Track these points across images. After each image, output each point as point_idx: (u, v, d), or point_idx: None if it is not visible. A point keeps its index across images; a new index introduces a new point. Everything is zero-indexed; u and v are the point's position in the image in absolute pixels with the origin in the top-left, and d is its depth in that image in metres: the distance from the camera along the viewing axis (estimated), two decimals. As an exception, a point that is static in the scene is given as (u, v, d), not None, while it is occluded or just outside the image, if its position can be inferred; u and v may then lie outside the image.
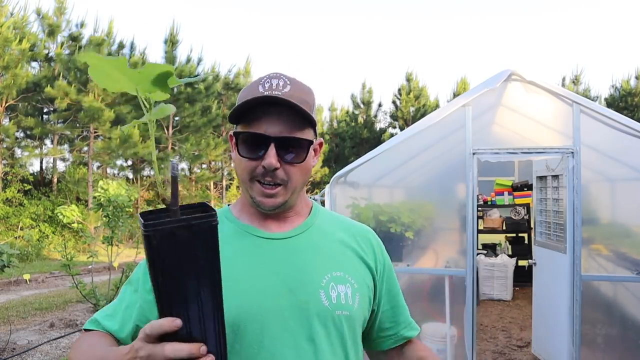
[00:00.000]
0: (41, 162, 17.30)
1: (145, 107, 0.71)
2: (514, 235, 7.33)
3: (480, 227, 6.90)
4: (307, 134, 0.95)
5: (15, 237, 12.57)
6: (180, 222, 0.66)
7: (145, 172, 18.73)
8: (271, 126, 0.90)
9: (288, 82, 0.94)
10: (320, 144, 1.04)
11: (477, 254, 4.69)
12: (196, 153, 17.31)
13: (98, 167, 17.05)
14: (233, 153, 0.99)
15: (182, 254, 0.67)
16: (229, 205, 1.08)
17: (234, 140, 0.98)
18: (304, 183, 0.98)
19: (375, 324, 1.07)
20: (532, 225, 6.04)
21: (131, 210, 6.98)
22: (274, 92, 0.91)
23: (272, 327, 0.89)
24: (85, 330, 0.99)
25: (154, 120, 0.73)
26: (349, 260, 1.01)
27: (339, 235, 1.04)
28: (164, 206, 0.69)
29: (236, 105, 0.94)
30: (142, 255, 7.01)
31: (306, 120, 0.93)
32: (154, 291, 0.68)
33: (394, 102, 22.89)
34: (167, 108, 0.75)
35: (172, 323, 0.67)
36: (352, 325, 0.96)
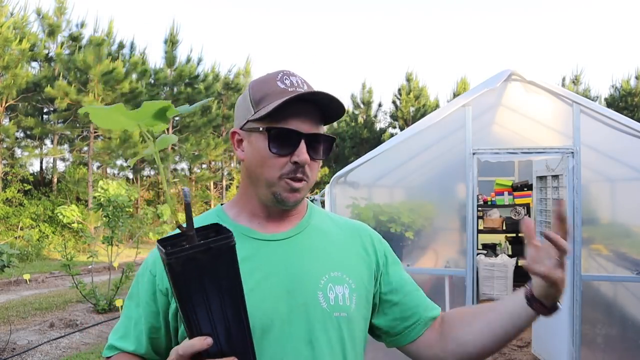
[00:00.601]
0: (41, 162, 17.32)
1: (148, 139, 0.74)
2: (514, 235, 7.32)
3: (480, 227, 6.89)
4: (324, 130, 0.97)
5: (15, 237, 12.57)
6: (200, 247, 0.69)
7: (145, 172, 18.74)
8: (301, 123, 0.91)
9: (303, 81, 0.95)
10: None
11: (477, 254, 4.69)
12: (196, 153, 17.32)
13: (98, 167, 17.05)
14: (238, 151, 0.98)
15: (205, 277, 0.70)
16: (221, 205, 1.05)
17: (237, 136, 0.97)
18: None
19: (393, 317, 1.03)
20: (532, 225, 6.03)
21: (131, 210, 6.98)
22: (297, 90, 0.91)
23: (271, 331, 0.88)
24: (107, 358, 1.00)
25: (158, 151, 0.75)
26: (347, 259, 0.99)
27: (335, 233, 1.03)
28: (178, 231, 0.73)
29: (252, 97, 0.94)
30: (142, 256, 7.01)
31: (324, 119, 0.95)
32: (181, 314, 0.71)
33: (394, 102, 22.91)
34: (170, 139, 0.77)
35: (204, 342, 0.70)
36: (350, 327, 0.94)
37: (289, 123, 0.90)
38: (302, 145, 0.90)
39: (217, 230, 0.77)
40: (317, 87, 0.95)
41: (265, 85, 0.94)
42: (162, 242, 0.72)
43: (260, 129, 0.92)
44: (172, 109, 0.73)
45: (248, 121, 0.94)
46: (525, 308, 0.92)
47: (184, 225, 0.72)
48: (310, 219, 1.03)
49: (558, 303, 0.93)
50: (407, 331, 1.03)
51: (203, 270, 0.69)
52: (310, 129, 0.91)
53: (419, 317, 1.03)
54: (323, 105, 0.93)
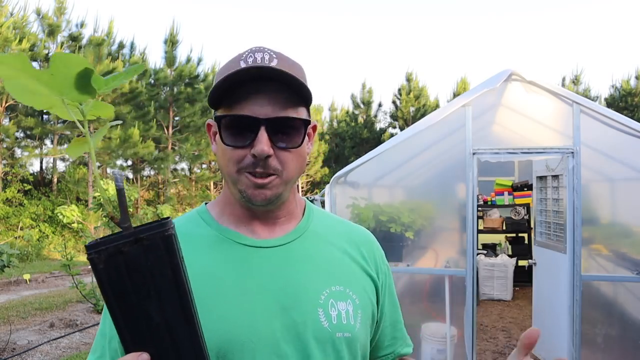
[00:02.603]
0: (41, 162, 17.33)
1: (81, 124, 0.60)
2: (514, 235, 7.33)
3: (480, 227, 6.89)
4: (302, 114, 0.80)
5: (15, 237, 12.57)
6: (126, 238, 0.56)
7: (145, 172, 18.74)
8: (260, 106, 0.76)
9: (274, 56, 0.80)
10: (314, 128, 0.88)
11: (477, 254, 4.69)
12: (196, 153, 17.33)
13: (98, 167, 17.04)
14: (213, 145, 0.87)
15: (135, 275, 0.56)
16: (206, 204, 0.92)
17: (213, 128, 0.86)
18: (300, 173, 0.84)
19: (373, 343, 0.95)
20: (532, 225, 6.04)
21: (131, 210, 6.98)
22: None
23: (263, 354, 0.76)
24: None
25: (94, 146, 0.61)
26: (350, 272, 0.88)
27: (338, 241, 0.91)
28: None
29: (214, 84, 0.79)
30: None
31: (300, 97, 0.79)
32: (113, 323, 0.58)
33: (394, 102, 22.92)
34: (111, 125, 0.65)
35: (138, 358, 0.56)
36: (353, 349, 0.82)
37: (244, 108, 0.76)
38: (262, 134, 0.75)
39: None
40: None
41: (227, 67, 0.81)
42: (100, 239, 0.59)
43: (209, 120, 0.83)
44: (95, 76, 0.57)
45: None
46: None
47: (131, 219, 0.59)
48: (309, 223, 0.90)
49: None
50: (378, 359, 0.98)
51: (132, 266, 0.56)
52: (272, 113, 0.76)
53: (393, 349, 0.98)
54: (291, 84, 0.77)
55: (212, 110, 0.85)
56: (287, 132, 0.78)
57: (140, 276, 0.57)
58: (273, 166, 0.78)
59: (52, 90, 0.57)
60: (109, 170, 17.28)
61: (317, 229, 0.91)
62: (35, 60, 15.29)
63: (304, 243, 0.87)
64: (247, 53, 0.80)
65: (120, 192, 0.57)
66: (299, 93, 0.78)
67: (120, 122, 0.74)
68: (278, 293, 0.80)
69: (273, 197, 0.80)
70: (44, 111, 16.21)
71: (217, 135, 0.82)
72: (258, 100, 0.76)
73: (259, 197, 0.79)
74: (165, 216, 0.70)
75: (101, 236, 0.63)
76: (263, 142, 0.75)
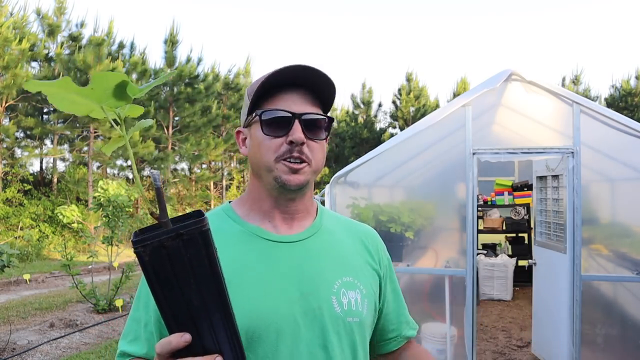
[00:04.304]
0: (41, 162, 17.31)
1: (117, 125, 0.68)
2: (514, 235, 7.33)
3: (480, 227, 6.89)
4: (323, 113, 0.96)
5: (15, 237, 12.57)
6: (168, 233, 0.63)
7: (145, 172, 18.73)
8: (293, 104, 0.91)
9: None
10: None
11: (477, 254, 4.69)
12: (196, 153, 17.31)
13: (98, 167, 17.05)
14: (242, 148, 0.99)
15: (176, 266, 0.64)
16: (229, 202, 1.03)
17: (242, 135, 0.99)
18: (322, 166, 0.97)
19: (379, 327, 1.07)
20: (532, 225, 6.04)
21: (131, 210, 6.98)
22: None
23: (286, 335, 0.87)
24: None
25: (128, 139, 0.69)
26: (357, 265, 1.00)
27: (346, 237, 1.03)
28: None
29: (261, 81, 0.91)
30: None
31: (321, 100, 0.95)
32: (158, 308, 0.66)
33: (394, 102, 22.90)
34: (145, 123, 0.72)
35: (181, 339, 0.65)
36: (362, 332, 0.95)
37: (280, 105, 0.91)
38: (297, 125, 0.90)
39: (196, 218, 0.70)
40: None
41: (260, 79, 0.94)
42: (138, 232, 0.66)
43: (254, 115, 0.94)
44: (131, 85, 0.65)
45: (247, 116, 0.96)
46: None
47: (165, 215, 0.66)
48: (322, 220, 1.02)
49: None
50: (384, 343, 1.09)
51: (174, 258, 0.64)
52: (303, 109, 0.91)
53: (399, 332, 1.09)
54: (316, 89, 0.93)
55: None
56: (316, 127, 0.93)
57: (181, 266, 0.64)
58: (306, 153, 0.91)
59: (92, 101, 0.66)
60: (108, 170, 17.28)
61: (329, 226, 1.03)
62: (35, 60, 15.31)
63: (319, 239, 0.98)
64: (276, 69, 0.93)
65: (158, 190, 0.63)
66: (321, 95, 0.94)
67: (151, 121, 0.77)
68: (298, 282, 0.91)
69: (304, 183, 0.92)
70: (44, 111, 16.23)
71: (253, 132, 0.95)
72: (292, 99, 0.91)
73: (293, 181, 0.91)
74: (205, 214, 0.78)
75: (143, 227, 0.70)
76: (299, 131, 0.89)
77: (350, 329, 0.92)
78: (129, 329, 0.95)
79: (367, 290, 0.98)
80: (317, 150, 0.93)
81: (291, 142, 0.89)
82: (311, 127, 0.92)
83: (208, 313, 0.66)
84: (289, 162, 0.90)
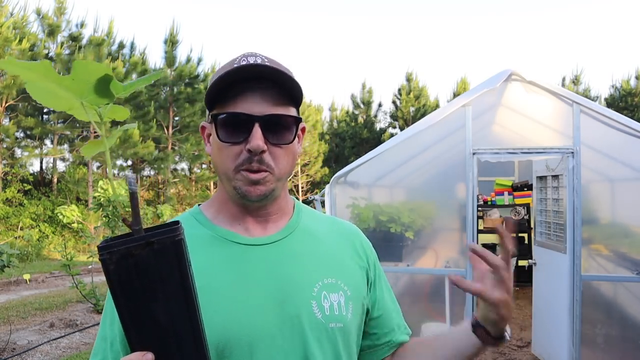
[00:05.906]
0: (41, 162, 17.34)
1: (98, 126, 0.63)
2: (514, 235, 7.32)
3: (480, 227, 6.89)
4: (292, 113, 0.84)
5: (15, 237, 12.57)
6: (137, 241, 0.58)
7: (145, 172, 18.75)
8: (253, 104, 0.79)
9: (266, 60, 0.83)
10: (303, 129, 0.91)
11: (477, 254, 4.67)
12: (196, 153, 17.33)
13: (98, 167, 17.06)
14: (207, 146, 0.89)
15: (144, 277, 0.58)
16: (199, 205, 0.94)
17: (206, 130, 0.88)
18: (291, 171, 0.88)
19: (370, 332, 0.97)
20: (532, 225, 6.04)
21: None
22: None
23: (261, 347, 0.79)
24: None
25: (109, 147, 0.65)
26: (341, 264, 0.91)
27: (328, 235, 0.95)
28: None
29: (210, 84, 0.82)
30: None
31: (291, 97, 0.83)
32: (121, 323, 0.60)
33: (394, 102, 22.92)
34: (129, 127, 0.69)
35: (142, 358, 0.58)
36: (346, 339, 0.87)
37: (238, 106, 0.79)
38: (256, 130, 0.78)
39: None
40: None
41: (221, 70, 0.84)
42: (110, 238, 0.60)
43: (210, 117, 0.84)
44: (115, 82, 0.61)
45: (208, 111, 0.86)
46: (470, 335, 0.85)
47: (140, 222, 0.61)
48: (299, 219, 0.93)
49: (505, 333, 0.84)
50: (376, 349, 0.98)
51: (142, 269, 0.58)
52: (266, 110, 0.79)
53: (391, 338, 0.98)
54: (283, 84, 0.81)
55: (207, 112, 0.88)
56: (280, 129, 0.82)
57: (149, 278, 0.59)
58: (267, 162, 0.81)
59: (72, 94, 0.60)
60: (108, 170, 17.28)
61: (307, 225, 0.94)
62: (35, 60, 15.29)
63: (295, 239, 0.90)
64: (240, 57, 0.84)
65: (132, 195, 0.58)
66: (290, 92, 0.82)
67: (134, 124, 0.75)
68: (273, 288, 0.83)
69: (267, 193, 0.83)
70: (44, 111, 16.24)
71: (212, 135, 0.85)
72: (251, 99, 0.80)
73: (254, 193, 0.82)
74: (172, 219, 0.72)
75: (115, 235, 0.66)
76: (257, 137, 0.79)
77: (332, 335, 0.84)
78: (97, 348, 0.85)
79: (352, 292, 0.89)
80: (282, 157, 0.83)
81: (250, 151, 0.79)
82: (275, 130, 0.81)
83: (175, 332, 0.61)
84: (248, 172, 0.81)
